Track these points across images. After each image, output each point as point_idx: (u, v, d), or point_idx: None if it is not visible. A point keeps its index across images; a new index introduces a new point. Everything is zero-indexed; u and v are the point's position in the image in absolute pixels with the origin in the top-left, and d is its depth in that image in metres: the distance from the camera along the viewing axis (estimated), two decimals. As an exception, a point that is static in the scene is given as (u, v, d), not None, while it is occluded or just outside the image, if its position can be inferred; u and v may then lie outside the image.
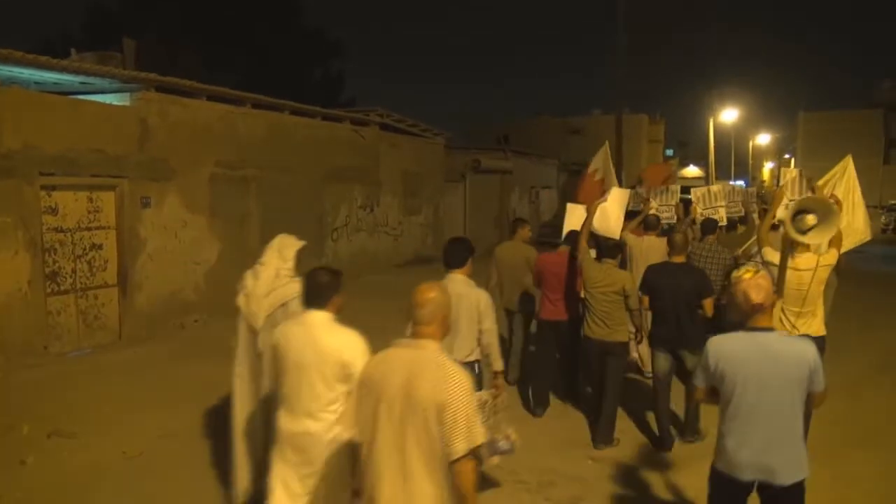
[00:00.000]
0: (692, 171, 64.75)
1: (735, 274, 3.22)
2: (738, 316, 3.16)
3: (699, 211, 8.58)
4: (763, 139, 63.75)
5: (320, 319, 3.42)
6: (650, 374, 6.24)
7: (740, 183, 61.19)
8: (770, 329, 3.13)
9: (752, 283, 3.13)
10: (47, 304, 8.61)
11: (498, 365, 4.53)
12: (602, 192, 7.67)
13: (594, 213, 6.33)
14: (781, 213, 6.01)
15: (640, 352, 7.31)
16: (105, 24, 26.97)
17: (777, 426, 3.06)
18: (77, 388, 7.42)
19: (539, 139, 39.71)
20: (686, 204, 8.60)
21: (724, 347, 3.15)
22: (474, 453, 2.54)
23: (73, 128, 8.80)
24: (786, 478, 3.08)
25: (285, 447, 3.36)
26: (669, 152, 72.20)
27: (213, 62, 24.68)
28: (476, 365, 4.50)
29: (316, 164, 13.69)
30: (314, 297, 3.48)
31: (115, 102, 9.75)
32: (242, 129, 11.81)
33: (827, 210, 5.00)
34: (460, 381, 2.59)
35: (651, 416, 6.24)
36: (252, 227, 11.99)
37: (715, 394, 3.19)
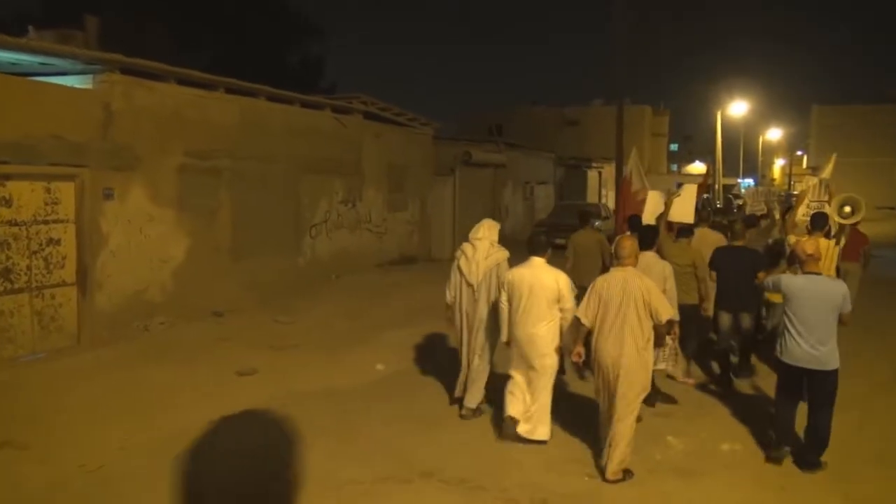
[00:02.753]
0: (697, 167, 65.13)
1: (792, 240, 6.43)
2: (797, 263, 5.84)
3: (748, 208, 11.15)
4: (773, 134, 64.23)
5: (540, 263, 6.12)
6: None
7: (749, 181, 61.62)
8: (818, 273, 5.79)
9: (806, 242, 5.92)
10: (-1, 303, 8.55)
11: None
12: (642, 202, 10.27)
13: (670, 205, 8.95)
14: (803, 210, 9.30)
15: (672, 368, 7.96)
16: (66, 0, 26.75)
17: (822, 332, 5.57)
18: (31, 396, 7.37)
19: (534, 130, 39.87)
20: (727, 201, 10.89)
21: (791, 282, 5.80)
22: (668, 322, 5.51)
23: (30, 112, 8.73)
24: (827, 365, 5.60)
25: (522, 344, 6.07)
26: (674, 147, 72.67)
27: (183, 43, 24.55)
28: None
29: (293, 154, 13.67)
30: (536, 249, 6.19)
31: (76, 85, 9.68)
32: (214, 115, 11.76)
33: (857, 203, 8.13)
34: (653, 284, 5.60)
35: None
36: (223, 222, 11.95)
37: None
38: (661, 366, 7.17)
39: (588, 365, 6.09)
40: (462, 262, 6.78)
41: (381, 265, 16.61)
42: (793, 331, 5.68)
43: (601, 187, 35.81)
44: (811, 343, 5.61)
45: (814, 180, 10.07)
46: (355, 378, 8.28)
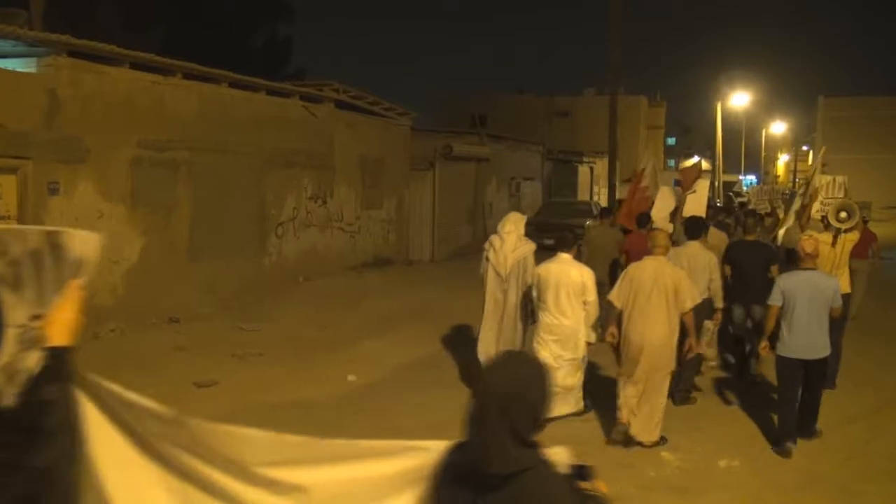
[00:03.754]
0: (695, 162, 65.39)
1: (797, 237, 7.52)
2: (798, 259, 6.77)
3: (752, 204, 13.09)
4: (777, 128, 64.94)
5: (567, 258, 7.02)
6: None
7: (751, 178, 62.27)
8: (814, 269, 6.69)
9: (805, 241, 6.77)
10: (-68, 308, 8.44)
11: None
12: (646, 200, 11.18)
13: (685, 202, 10.02)
14: (817, 207, 10.14)
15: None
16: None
17: (815, 324, 6.51)
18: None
19: (521, 122, 39.97)
20: (728, 199, 11.82)
21: (788, 279, 6.74)
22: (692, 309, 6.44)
23: (-34, 98, 8.65)
24: (821, 353, 6.59)
25: (547, 333, 6.99)
26: (671, 141, 73.28)
27: (136, 23, 24.36)
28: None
29: (258, 146, 13.64)
30: (563, 245, 7.08)
31: (18, 69, 9.60)
32: (171, 103, 11.71)
33: (853, 208, 8.61)
34: (683, 274, 6.55)
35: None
36: (181, 220, 11.90)
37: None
38: (703, 350, 7.96)
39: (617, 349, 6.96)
40: (491, 255, 7.78)
41: (354, 267, 16.60)
42: (790, 325, 6.56)
43: (593, 183, 36.02)
44: (807, 335, 6.53)
45: (827, 178, 10.97)
46: (325, 390, 8.29)
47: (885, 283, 14.36)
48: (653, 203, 10.95)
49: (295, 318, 11.79)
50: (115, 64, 10.74)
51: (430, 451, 2.57)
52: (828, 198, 10.43)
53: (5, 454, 1.80)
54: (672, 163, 63.30)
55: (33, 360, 2.03)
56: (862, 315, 11.72)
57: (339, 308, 12.65)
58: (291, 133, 14.71)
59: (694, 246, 8.01)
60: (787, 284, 6.67)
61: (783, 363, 6.69)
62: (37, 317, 2.14)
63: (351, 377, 8.81)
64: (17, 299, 2.13)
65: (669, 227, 9.33)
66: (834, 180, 10.86)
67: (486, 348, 7.71)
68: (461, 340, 10.55)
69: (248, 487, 2.80)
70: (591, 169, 35.84)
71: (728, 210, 17.51)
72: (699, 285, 7.24)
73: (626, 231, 11.13)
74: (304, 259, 15.03)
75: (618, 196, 21.69)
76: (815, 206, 10.27)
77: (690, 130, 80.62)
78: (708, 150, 55.94)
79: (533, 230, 26.27)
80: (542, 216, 24.78)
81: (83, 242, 2.24)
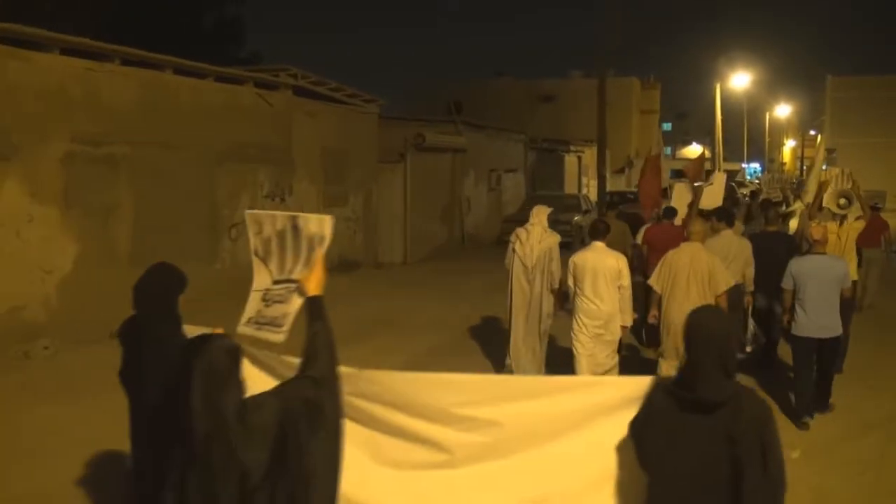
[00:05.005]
0: (694, 149, 66.05)
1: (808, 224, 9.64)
2: (809, 245, 8.27)
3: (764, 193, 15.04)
4: (782, 111, 65.67)
5: (601, 246, 7.95)
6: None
7: (755, 166, 62.94)
8: (824, 253, 7.94)
9: (814, 229, 8.15)
10: None
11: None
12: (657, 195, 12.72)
13: (701, 194, 11.49)
14: (827, 198, 11.18)
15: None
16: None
17: (826, 305, 7.62)
18: None
19: (501, 108, 40.11)
20: (730, 189, 13.27)
21: (799, 264, 7.89)
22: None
23: None
24: (833, 333, 7.73)
25: (586, 317, 7.88)
26: (666, 126, 73.77)
27: (67, 3, 24.13)
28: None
29: (207, 139, 13.58)
30: (596, 234, 8.09)
31: (-67, 56, 9.48)
32: (108, 92, 11.63)
33: (851, 196, 10.46)
34: (717, 260, 7.69)
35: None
36: (121, 223, 11.81)
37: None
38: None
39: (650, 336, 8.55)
40: (517, 246, 8.90)
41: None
42: (803, 307, 7.69)
43: (581, 175, 36.21)
44: (818, 316, 7.63)
45: (836, 170, 12.26)
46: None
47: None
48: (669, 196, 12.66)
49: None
50: (44, 50, 10.64)
51: (615, 386, 3.81)
52: (838, 188, 11.63)
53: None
54: (669, 150, 63.82)
55: (296, 306, 3.35)
56: (881, 312, 11.92)
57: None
58: (245, 124, 14.65)
59: (729, 234, 9.14)
60: (798, 269, 7.84)
61: (798, 342, 7.86)
62: (278, 281, 3.38)
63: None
64: (264, 268, 3.44)
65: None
66: (843, 171, 11.97)
67: (516, 355, 8.94)
68: (437, 352, 10.55)
69: (444, 427, 3.69)
70: (579, 159, 36.05)
71: (733, 200, 17.92)
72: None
73: (632, 221, 12.45)
74: (262, 264, 14.96)
75: (609, 188, 21.80)
76: (826, 198, 11.39)
77: (687, 115, 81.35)
78: (707, 137, 56.49)
79: (516, 228, 26.28)
80: (525, 212, 24.77)
81: (318, 222, 3.33)
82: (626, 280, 7.92)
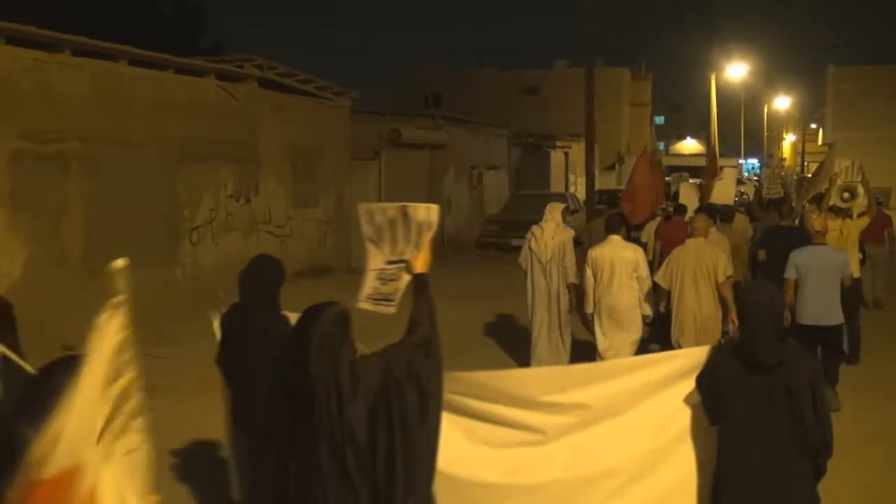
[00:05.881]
0: (689, 145, 66.64)
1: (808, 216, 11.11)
2: (810, 235, 8.97)
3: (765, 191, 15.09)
4: (781, 104, 66.17)
5: (617, 239, 8.75)
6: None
7: (753, 162, 63.45)
8: (824, 244, 8.74)
9: (815, 220, 9.08)
10: None
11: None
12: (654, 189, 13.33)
13: (712, 189, 12.94)
14: (833, 192, 12.08)
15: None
16: None
17: (827, 294, 8.37)
18: None
19: (482, 101, 40.18)
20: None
21: (800, 254, 8.57)
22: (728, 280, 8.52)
23: None
24: (832, 321, 8.51)
25: (605, 310, 8.67)
26: (659, 120, 74.17)
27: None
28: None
29: (167, 135, 13.56)
30: (612, 228, 8.92)
31: None
32: (59, 85, 11.61)
33: (855, 189, 11.43)
34: (720, 252, 8.64)
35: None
36: (74, 226, 11.78)
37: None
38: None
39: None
40: (532, 243, 9.80)
41: (287, 278, 16.53)
42: (803, 295, 8.43)
43: (568, 172, 36.37)
44: (818, 304, 8.38)
45: (846, 162, 12.92)
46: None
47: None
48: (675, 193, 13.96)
49: (214, 341, 11.68)
50: (-11, 39, 10.62)
51: (686, 356, 4.60)
52: (847, 182, 12.33)
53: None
54: (662, 145, 64.17)
55: (404, 283, 4.04)
56: (883, 323, 12.09)
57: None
58: (207, 119, 14.65)
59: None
60: (799, 259, 8.58)
61: (799, 330, 8.37)
62: (391, 262, 4.13)
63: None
64: (377, 251, 4.18)
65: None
66: (852, 164, 12.44)
67: (539, 352, 9.78)
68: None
69: (534, 412, 4.49)
70: (566, 155, 36.21)
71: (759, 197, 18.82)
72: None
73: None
74: (225, 270, 14.88)
75: (598, 186, 21.91)
76: (835, 192, 12.20)
77: (681, 108, 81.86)
78: (702, 131, 56.76)
79: (498, 230, 26.24)
80: (509, 212, 24.93)
81: (426, 211, 3.99)
82: (645, 271, 8.76)
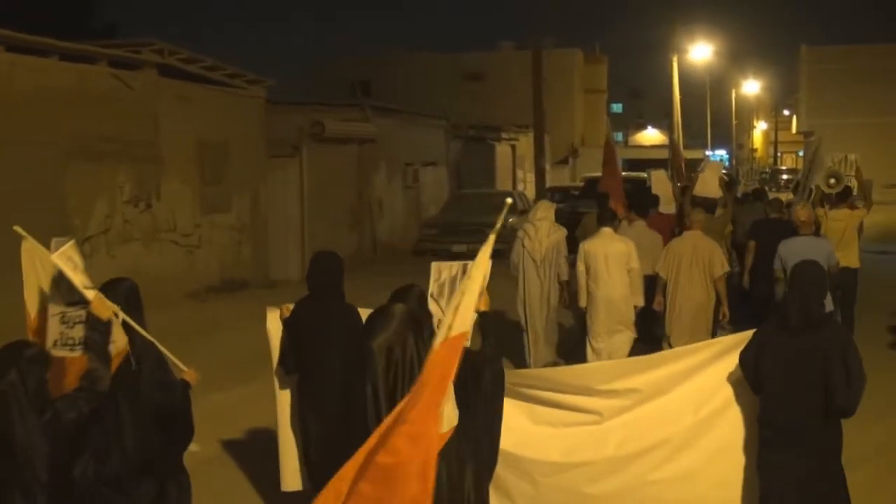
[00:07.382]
0: (650, 135, 67.45)
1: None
2: (795, 226, 10.55)
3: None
4: (751, 88, 67.39)
5: (609, 232, 10.04)
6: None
7: (721, 153, 64.47)
8: (808, 234, 10.34)
9: (799, 210, 10.74)
10: None
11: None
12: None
13: (696, 180, 14.00)
14: (819, 178, 13.01)
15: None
16: None
17: (813, 284, 7.87)
18: None
19: (417, 88, 40.30)
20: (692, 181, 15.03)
21: (785, 246, 9.88)
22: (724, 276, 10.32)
23: None
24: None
25: (600, 302, 9.90)
26: (617, 107, 75.11)
27: None
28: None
29: (52, 131, 13.43)
30: (605, 220, 10.18)
31: None
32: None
33: (840, 176, 12.40)
34: (716, 247, 10.47)
35: None
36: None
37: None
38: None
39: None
40: (526, 242, 10.86)
41: (195, 294, 16.41)
42: (789, 282, 9.19)
43: (516, 168, 36.54)
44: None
45: (840, 155, 13.88)
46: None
47: (886, 284, 15.19)
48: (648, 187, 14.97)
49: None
50: None
51: (730, 339, 5.86)
52: (847, 175, 13.09)
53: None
54: (620, 136, 64.86)
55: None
56: (865, 338, 12.40)
57: (177, 349, 12.36)
58: (99, 113, 14.53)
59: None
60: (784, 251, 9.66)
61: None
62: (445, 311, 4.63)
63: (193, 447, 8.64)
64: (437, 305, 4.92)
65: (672, 208, 13.44)
66: (846, 158, 13.28)
67: (536, 351, 10.83)
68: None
69: (589, 398, 5.85)
70: (513, 148, 36.37)
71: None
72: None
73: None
74: (124, 286, 14.75)
75: (549, 182, 22.03)
76: (818, 178, 13.21)
77: (640, 95, 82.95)
78: (665, 119, 57.54)
79: (438, 234, 26.30)
80: (449, 214, 25.02)
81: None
82: (636, 263, 9.94)
